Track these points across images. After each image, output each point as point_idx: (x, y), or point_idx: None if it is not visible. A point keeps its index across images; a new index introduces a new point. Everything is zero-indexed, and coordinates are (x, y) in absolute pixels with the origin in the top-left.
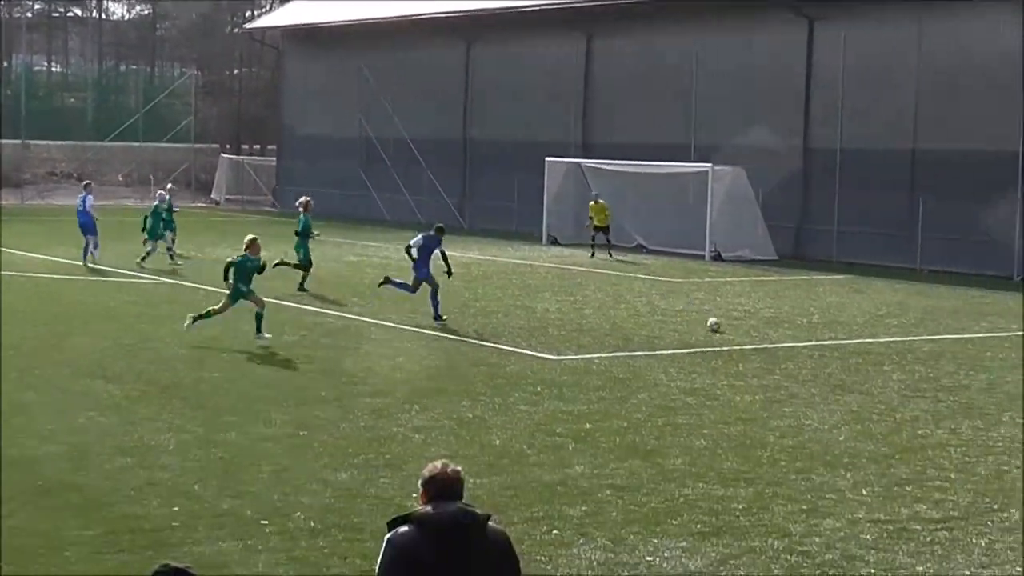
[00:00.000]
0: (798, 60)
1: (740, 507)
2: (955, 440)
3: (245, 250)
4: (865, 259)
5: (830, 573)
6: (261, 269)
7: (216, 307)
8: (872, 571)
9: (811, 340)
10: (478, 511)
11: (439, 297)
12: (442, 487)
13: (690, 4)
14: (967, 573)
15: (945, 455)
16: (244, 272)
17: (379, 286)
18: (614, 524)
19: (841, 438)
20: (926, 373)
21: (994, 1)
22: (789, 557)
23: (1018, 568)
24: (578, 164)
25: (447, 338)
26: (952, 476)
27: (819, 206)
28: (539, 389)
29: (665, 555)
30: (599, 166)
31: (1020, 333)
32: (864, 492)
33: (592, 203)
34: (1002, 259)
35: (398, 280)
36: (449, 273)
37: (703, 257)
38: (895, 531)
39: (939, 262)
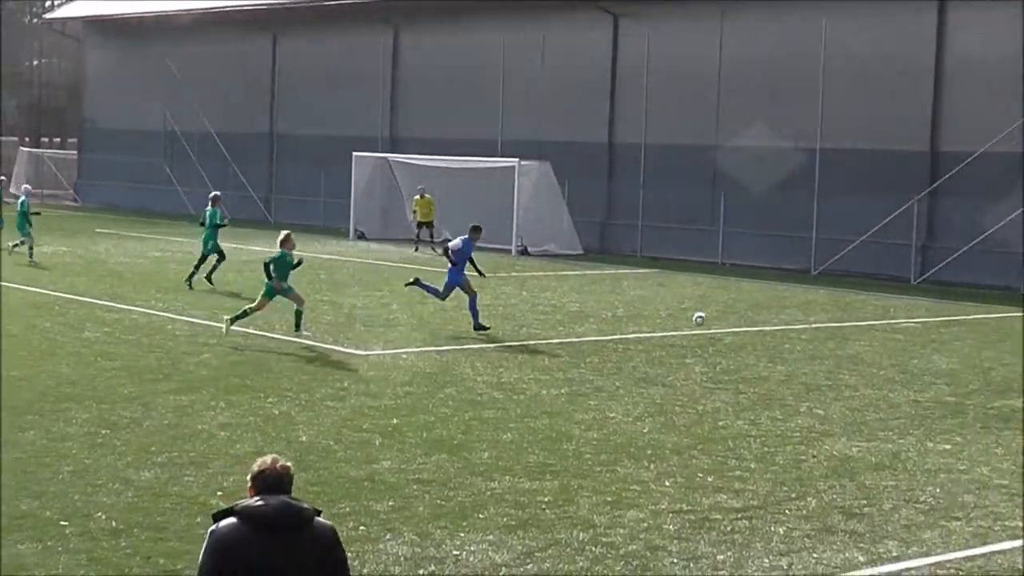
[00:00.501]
0: (603, 56)
1: (546, 500)
2: (755, 431)
3: (281, 246)
4: (669, 253)
5: (633, 564)
6: (297, 264)
7: (253, 305)
8: (674, 561)
9: (616, 334)
10: (304, 505)
11: (477, 305)
12: (269, 481)
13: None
14: (766, 561)
15: (745, 445)
16: (282, 268)
17: (407, 286)
18: (421, 519)
19: (645, 430)
20: (727, 365)
21: (794, 1)
22: (594, 549)
23: (815, 555)
24: (385, 159)
25: (253, 334)
26: (752, 466)
27: (624, 201)
28: (346, 384)
29: (471, 549)
30: (407, 161)
31: (817, 325)
32: (667, 483)
33: (418, 197)
34: (800, 253)
35: (428, 284)
36: (481, 274)
37: (510, 252)
38: (697, 521)
39: (740, 256)
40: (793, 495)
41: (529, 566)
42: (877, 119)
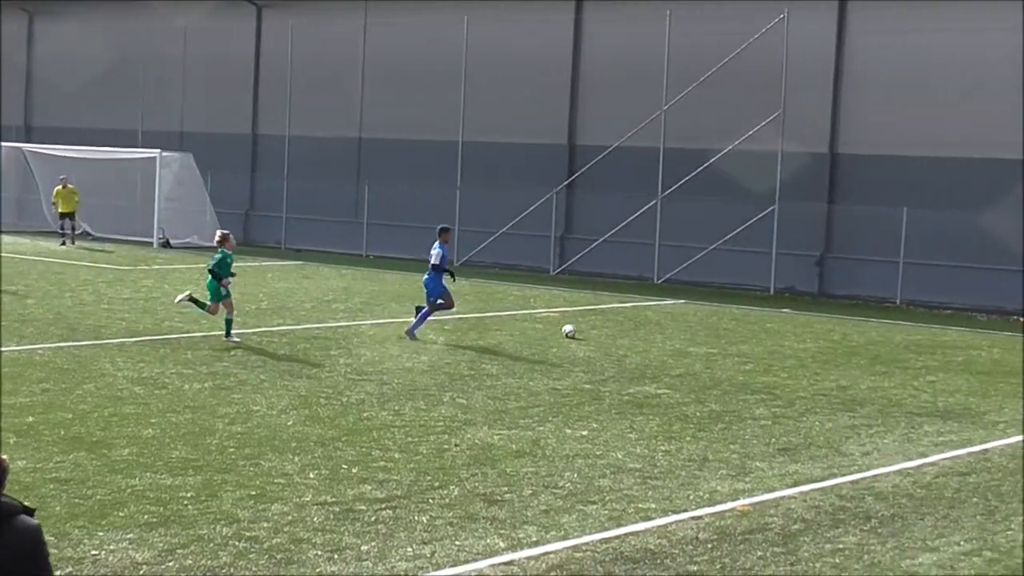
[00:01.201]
0: (246, 47)
1: (189, 496)
2: (399, 421)
3: (219, 245)
4: (313, 245)
5: (278, 557)
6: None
7: (209, 306)
8: (319, 553)
9: (260, 327)
10: (3, 502)
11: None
12: None
13: None
14: (409, 550)
15: (389, 436)
16: (224, 268)
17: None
18: (58, 519)
19: (289, 423)
20: (371, 357)
21: (436, 1)
22: (237, 543)
23: (457, 543)
24: (20, 149)
25: None
26: (396, 456)
27: (268, 192)
28: None
29: (111, 548)
30: (43, 151)
31: (460, 316)
32: (311, 475)
33: (60, 187)
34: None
35: (432, 304)
36: (452, 276)
37: (151, 244)
38: (341, 512)
39: (384, 248)
40: (436, 484)
41: (171, 563)
42: (517, 113)
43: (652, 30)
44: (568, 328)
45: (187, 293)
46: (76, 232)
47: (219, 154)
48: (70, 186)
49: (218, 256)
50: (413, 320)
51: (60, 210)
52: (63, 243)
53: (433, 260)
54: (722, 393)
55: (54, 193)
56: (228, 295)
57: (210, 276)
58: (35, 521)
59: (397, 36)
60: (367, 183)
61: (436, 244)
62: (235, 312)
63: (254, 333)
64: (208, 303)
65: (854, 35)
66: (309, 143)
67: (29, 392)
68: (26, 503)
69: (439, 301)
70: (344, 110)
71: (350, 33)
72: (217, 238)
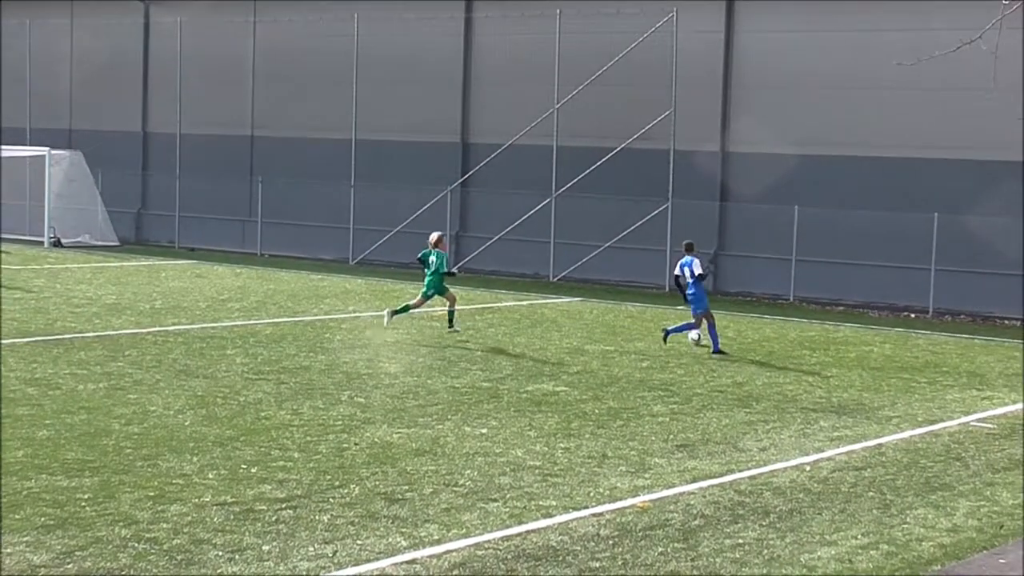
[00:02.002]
0: (136, 45)
1: (86, 497)
2: (298, 420)
3: (435, 246)
4: (207, 244)
5: (178, 558)
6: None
7: (412, 302)
8: (219, 554)
9: (155, 326)
10: None
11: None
12: None
13: None
14: (311, 549)
15: (288, 435)
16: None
17: (665, 340)
18: None
19: (187, 423)
20: (268, 356)
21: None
22: (137, 545)
23: (359, 542)
24: None
25: None
26: (295, 456)
27: (160, 191)
28: None
29: (7, 551)
30: None
31: (357, 315)
32: (210, 476)
33: None
34: (339, 243)
35: (677, 326)
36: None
37: (42, 243)
38: (241, 512)
39: (279, 247)
40: (336, 483)
41: (69, 566)
42: (410, 112)
43: (543, 28)
44: (694, 335)
45: (387, 311)
46: None
47: (109, 152)
48: None
49: (436, 256)
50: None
51: None
52: None
53: None
54: (620, 390)
55: None
56: (445, 289)
57: (437, 275)
58: None
59: (287, 33)
60: (260, 181)
61: (690, 258)
62: (451, 304)
63: (149, 333)
64: (410, 303)
65: (742, 34)
66: (201, 141)
67: None
68: None
69: None
70: (236, 108)
71: (240, 29)
72: (433, 240)
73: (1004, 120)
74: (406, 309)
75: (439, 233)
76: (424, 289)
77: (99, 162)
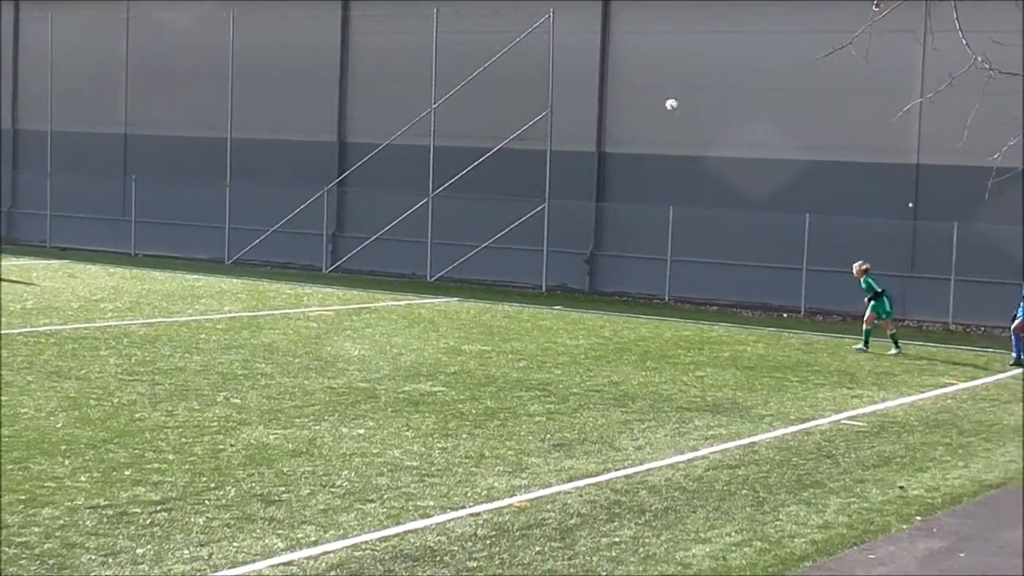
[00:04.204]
0: (4, 40)
1: None
2: (172, 422)
3: (863, 275)
4: (80, 243)
5: (50, 563)
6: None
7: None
8: (92, 557)
9: (26, 327)
10: None
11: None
12: None
13: None
14: (186, 552)
15: (163, 437)
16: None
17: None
18: None
19: (59, 425)
20: (143, 357)
21: None
22: (7, 549)
23: (235, 544)
24: None
25: None
26: (170, 458)
27: (31, 189)
28: None
29: None
30: None
31: (232, 315)
32: (83, 478)
33: None
34: (214, 243)
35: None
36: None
37: None
38: (115, 515)
39: (153, 246)
40: (212, 485)
41: None
42: (286, 111)
43: (420, 28)
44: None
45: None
46: None
47: None
48: None
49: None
50: None
51: None
52: None
53: None
54: (497, 390)
55: None
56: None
57: (883, 298)
58: None
59: (161, 29)
60: (134, 180)
61: None
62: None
63: (19, 334)
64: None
65: (618, 35)
66: (73, 138)
67: None
68: None
69: None
70: (109, 105)
71: (113, 26)
72: (862, 268)
73: (874, 123)
74: None
75: None
76: None
77: None
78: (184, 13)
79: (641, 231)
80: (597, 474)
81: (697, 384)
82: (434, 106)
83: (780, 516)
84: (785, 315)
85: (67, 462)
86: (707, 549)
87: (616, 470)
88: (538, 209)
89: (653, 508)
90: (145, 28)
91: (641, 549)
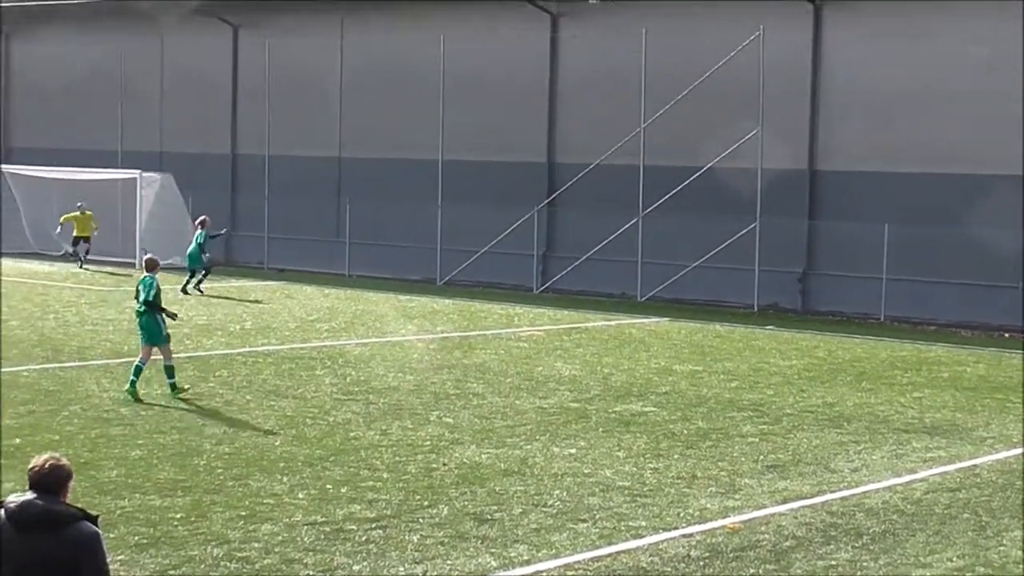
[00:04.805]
0: (227, 67)
1: (178, 516)
2: (386, 441)
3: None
4: (296, 265)
5: None
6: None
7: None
8: (311, 573)
9: (245, 347)
10: (55, 507)
11: None
12: (32, 480)
13: (112, 6)
14: (401, 569)
15: (377, 456)
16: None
17: None
18: None
19: (277, 443)
20: (357, 376)
21: (411, 10)
22: (229, 564)
23: (449, 562)
24: None
25: None
26: (384, 476)
27: (249, 212)
28: None
29: None
30: (21, 172)
31: (444, 335)
32: (300, 496)
33: (76, 213)
34: (427, 263)
35: None
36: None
37: (133, 265)
38: (332, 532)
39: (367, 267)
40: (426, 503)
41: None
42: (496, 132)
43: (629, 47)
44: None
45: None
46: (85, 255)
47: (199, 174)
48: (88, 212)
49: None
50: None
51: (75, 234)
52: (80, 265)
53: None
54: (709, 411)
55: (68, 217)
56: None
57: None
58: (95, 528)
59: (374, 53)
60: (348, 202)
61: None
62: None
63: (239, 354)
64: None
65: (830, 48)
66: (289, 162)
67: (15, 414)
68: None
69: None
70: (324, 129)
71: (327, 51)
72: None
73: None
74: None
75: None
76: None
77: (189, 184)
78: (396, 35)
79: (855, 249)
80: (812, 496)
81: (915, 405)
82: (643, 125)
83: (1004, 541)
84: (1007, 335)
85: (285, 479)
86: (927, 574)
87: (832, 492)
88: (749, 228)
89: (871, 531)
90: (358, 51)
91: (858, 573)
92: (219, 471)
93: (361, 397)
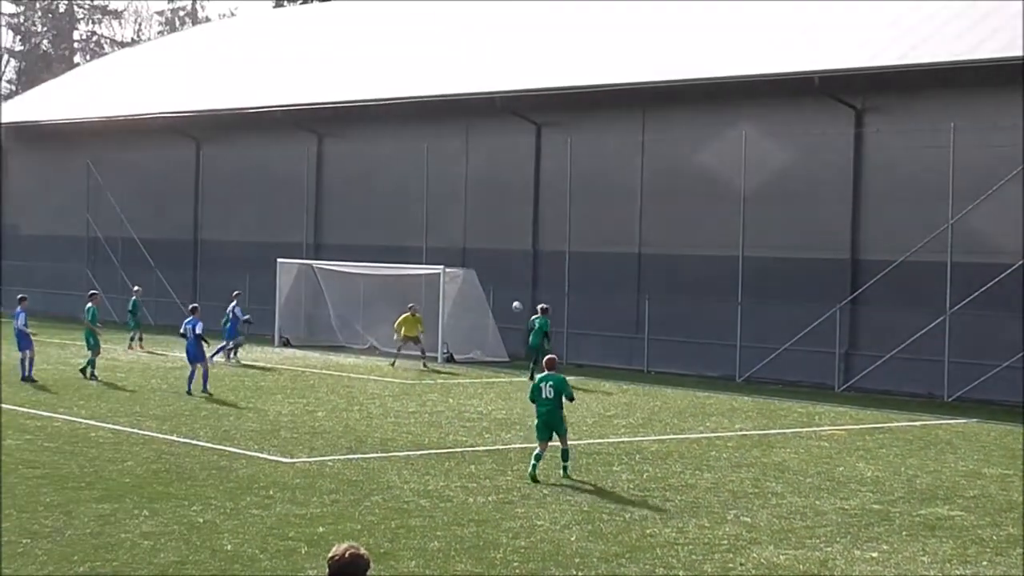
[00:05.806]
0: (526, 164)
1: None
2: (682, 539)
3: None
4: (595, 360)
5: None
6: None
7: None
8: None
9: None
10: None
11: None
12: (332, 569)
13: (417, 107)
14: None
15: (673, 554)
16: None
17: None
18: None
19: (572, 538)
20: (654, 472)
21: (713, 107)
22: None
23: None
24: (309, 265)
25: (177, 441)
26: (680, 574)
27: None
28: (271, 492)
29: None
30: (331, 267)
31: (743, 433)
32: None
33: (408, 315)
34: (725, 360)
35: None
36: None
37: (435, 359)
38: None
39: (665, 363)
40: None
41: None
42: (798, 228)
43: (935, 141)
44: (516, 304)
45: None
46: (425, 354)
47: (500, 269)
48: (418, 315)
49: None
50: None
51: (404, 334)
52: (393, 363)
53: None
54: (1020, 516)
55: (401, 319)
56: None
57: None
58: None
59: (674, 151)
60: (648, 297)
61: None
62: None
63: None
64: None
65: None
66: (588, 258)
67: (320, 503)
68: None
69: None
70: (622, 225)
71: (628, 148)
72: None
73: None
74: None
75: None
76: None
77: (491, 279)
78: (697, 132)
79: None
80: None
81: None
82: (951, 221)
83: None
84: None
85: (580, 575)
86: None
87: None
88: None
89: None
90: (659, 149)
91: None
92: (515, 564)
93: (658, 494)
